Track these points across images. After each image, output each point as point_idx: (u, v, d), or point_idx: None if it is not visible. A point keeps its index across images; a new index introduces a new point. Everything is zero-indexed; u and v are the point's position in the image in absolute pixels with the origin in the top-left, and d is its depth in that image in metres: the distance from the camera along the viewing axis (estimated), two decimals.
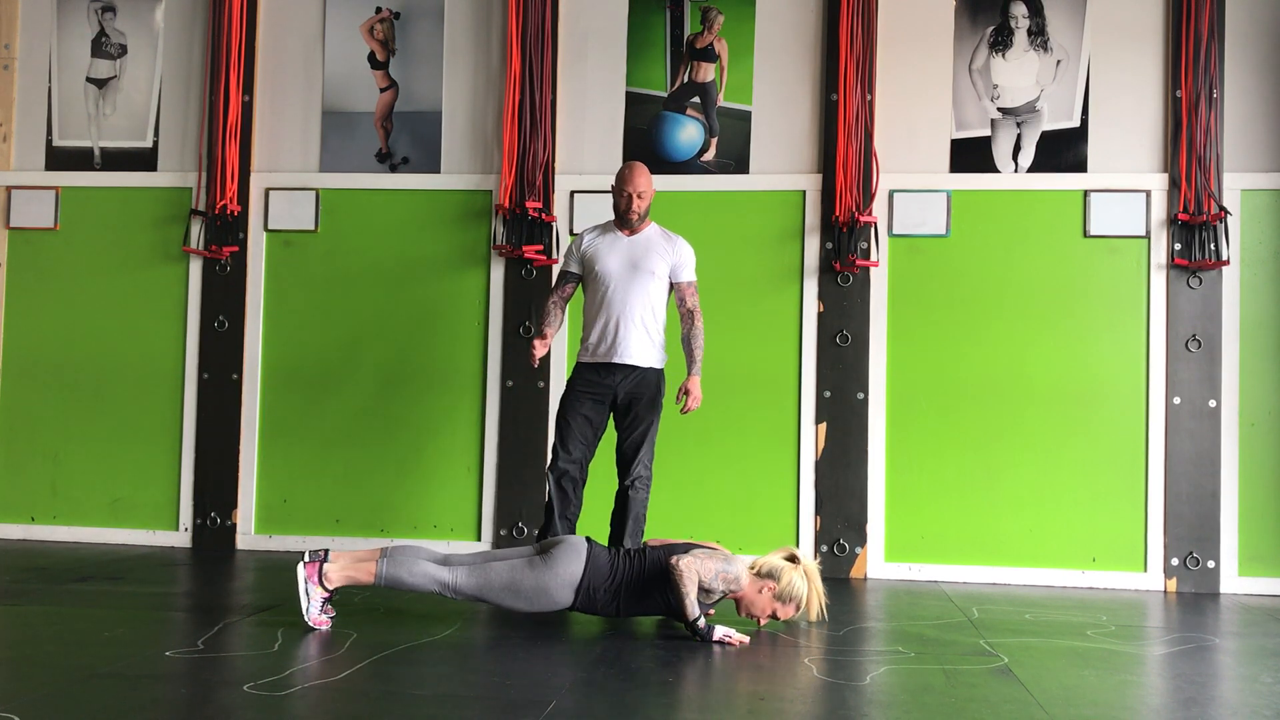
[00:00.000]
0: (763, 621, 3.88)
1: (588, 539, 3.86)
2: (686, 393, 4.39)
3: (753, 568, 3.84)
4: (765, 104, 5.45)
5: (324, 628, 3.67)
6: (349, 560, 3.74)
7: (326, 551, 3.75)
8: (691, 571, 3.65)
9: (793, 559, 3.86)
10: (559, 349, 5.36)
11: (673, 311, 4.61)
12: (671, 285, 4.53)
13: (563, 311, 4.60)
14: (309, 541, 5.46)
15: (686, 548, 3.83)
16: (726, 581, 3.75)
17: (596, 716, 2.78)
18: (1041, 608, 4.52)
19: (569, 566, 3.72)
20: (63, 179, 5.81)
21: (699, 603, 3.69)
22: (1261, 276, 5.16)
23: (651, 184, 4.51)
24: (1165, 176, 5.21)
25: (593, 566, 3.74)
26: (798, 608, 3.81)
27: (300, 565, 3.70)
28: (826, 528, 5.24)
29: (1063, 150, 5.29)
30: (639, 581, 3.75)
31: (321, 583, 3.68)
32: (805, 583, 3.80)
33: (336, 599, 3.82)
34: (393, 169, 5.62)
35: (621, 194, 4.47)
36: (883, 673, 3.30)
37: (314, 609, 3.67)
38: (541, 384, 5.40)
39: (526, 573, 3.72)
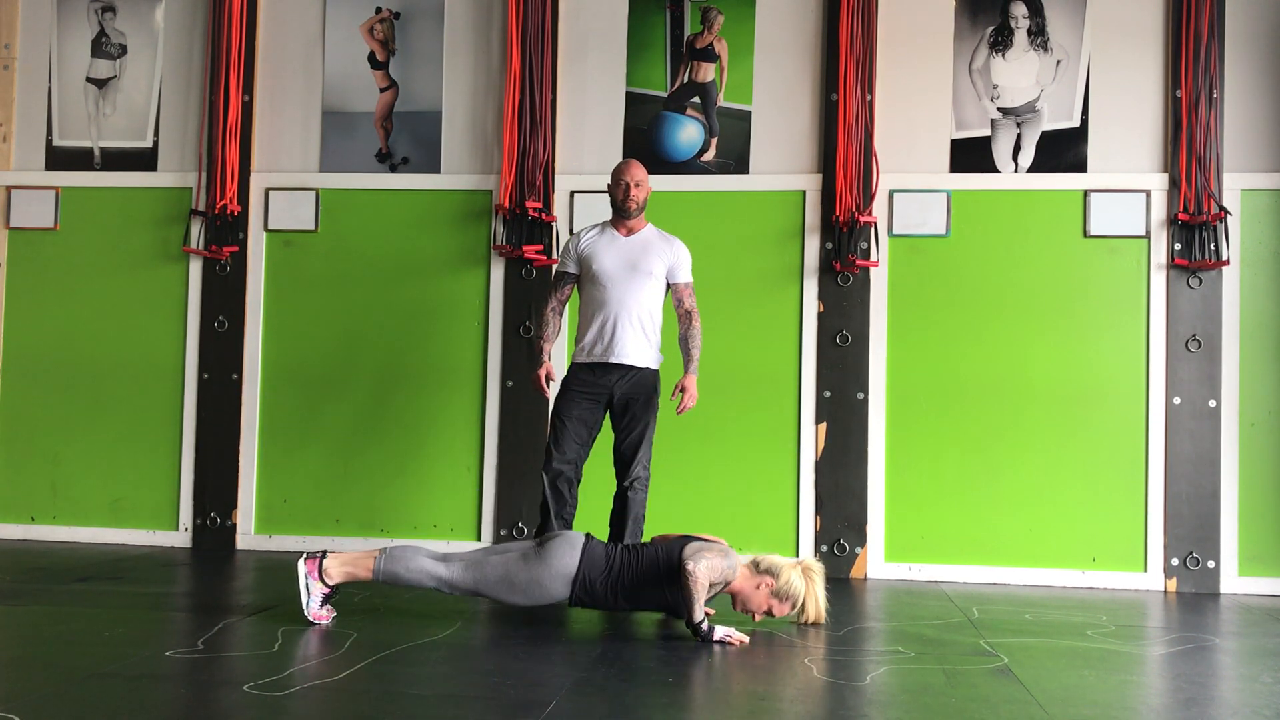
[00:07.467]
0: (757, 617, 3.86)
1: (587, 535, 3.87)
2: (683, 390, 4.39)
3: (755, 563, 3.84)
4: (765, 104, 5.45)
5: (324, 622, 3.71)
6: (348, 558, 3.79)
7: (325, 551, 3.80)
8: (704, 577, 3.64)
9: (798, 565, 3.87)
10: (557, 348, 5.35)
11: (669, 312, 4.62)
12: (669, 286, 4.54)
13: (561, 318, 4.60)
14: (309, 542, 5.46)
15: (686, 540, 3.83)
16: (723, 573, 3.74)
17: (596, 716, 2.77)
18: (1041, 608, 4.52)
19: (563, 559, 3.74)
20: (63, 179, 5.81)
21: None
22: (1261, 276, 5.16)
23: (647, 178, 4.52)
24: (1165, 176, 5.21)
25: (588, 560, 3.75)
26: (794, 606, 3.81)
27: (300, 561, 3.75)
28: (826, 528, 5.24)
29: (1063, 150, 5.29)
30: (637, 576, 3.76)
31: (322, 578, 3.73)
32: (804, 582, 3.80)
33: (336, 599, 3.83)
34: (393, 169, 5.62)
35: (619, 184, 4.48)
36: (883, 673, 3.30)
37: (314, 604, 3.72)
38: None
39: (521, 566, 3.74)
